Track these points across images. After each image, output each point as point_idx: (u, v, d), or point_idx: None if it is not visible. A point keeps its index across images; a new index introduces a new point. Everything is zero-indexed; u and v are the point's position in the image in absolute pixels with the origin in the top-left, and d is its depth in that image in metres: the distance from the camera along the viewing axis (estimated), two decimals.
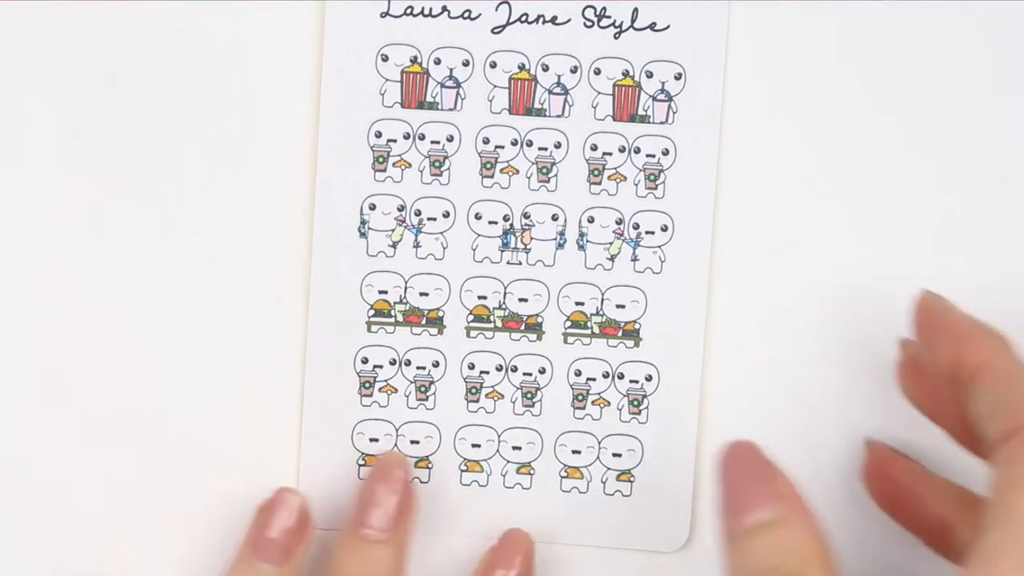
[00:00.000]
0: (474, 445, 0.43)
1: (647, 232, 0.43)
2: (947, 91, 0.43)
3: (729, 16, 0.43)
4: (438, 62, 0.43)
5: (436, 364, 0.43)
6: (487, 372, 0.43)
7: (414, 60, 0.43)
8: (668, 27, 0.43)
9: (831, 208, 0.43)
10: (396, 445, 0.43)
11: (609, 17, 0.43)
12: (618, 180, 0.43)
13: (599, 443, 0.43)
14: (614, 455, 0.43)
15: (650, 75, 0.43)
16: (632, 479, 0.44)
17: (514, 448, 0.43)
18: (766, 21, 0.43)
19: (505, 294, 0.43)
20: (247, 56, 0.43)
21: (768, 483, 0.35)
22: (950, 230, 0.43)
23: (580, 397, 0.43)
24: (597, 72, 0.43)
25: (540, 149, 0.43)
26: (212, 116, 0.43)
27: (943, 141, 0.43)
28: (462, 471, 0.44)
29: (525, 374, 0.43)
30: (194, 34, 0.43)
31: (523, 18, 0.43)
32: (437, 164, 0.43)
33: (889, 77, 0.43)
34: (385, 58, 0.43)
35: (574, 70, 0.43)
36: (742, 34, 0.43)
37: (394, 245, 0.43)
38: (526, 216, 0.43)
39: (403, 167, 0.43)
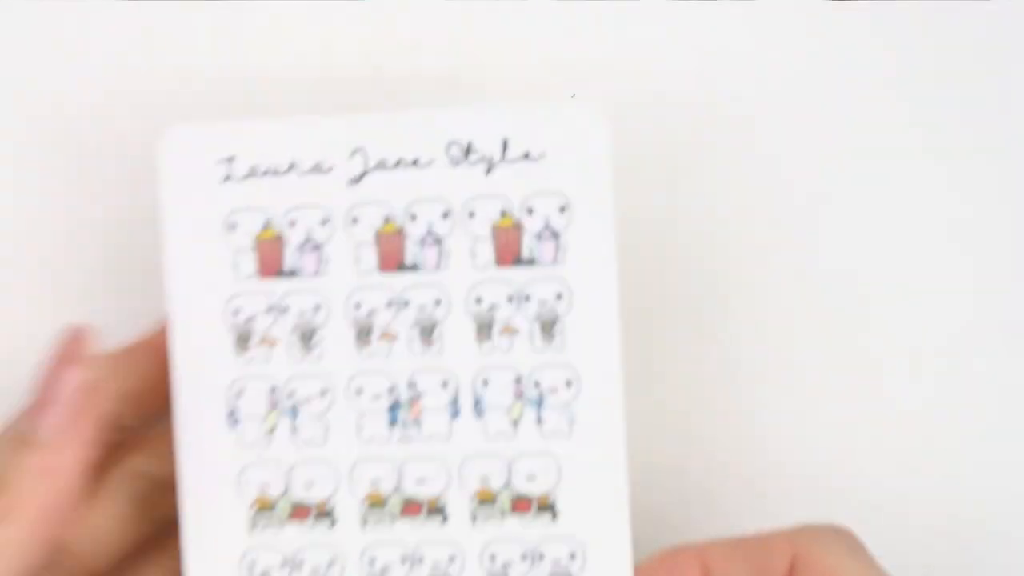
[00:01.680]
0: None
1: (550, 390, 0.38)
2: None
3: (611, 132, 0.37)
4: (293, 224, 0.38)
5: (332, 563, 0.38)
6: (390, 566, 0.38)
7: (266, 225, 0.38)
8: (543, 155, 0.37)
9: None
10: None
11: (476, 151, 0.37)
12: (510, 334, 0.38)
13: None
14: None
15: (531, 211, 0.37)
16: None
17: None
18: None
19: (400, 476, 0.38)
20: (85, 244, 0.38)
21: None
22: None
23: None
24: (472, 215, 0.38)
25: (419, 309, 0.38)
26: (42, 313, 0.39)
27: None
28: None
29: (433, 565, 0.38)
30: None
31: (381, 164, 0.38)
32: (306, 338, 0.38)
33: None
34: (233, 227, 0.38)
35: (446, 215, 0.38)
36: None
37: (270, 432, 0.38)
38: (412, 385, 0.38)
39: (269, 345, 0.38)
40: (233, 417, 0.38)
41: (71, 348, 0.36)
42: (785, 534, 0.37)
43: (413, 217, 0.38)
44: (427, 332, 0.38)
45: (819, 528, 0.37)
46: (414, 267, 0.38)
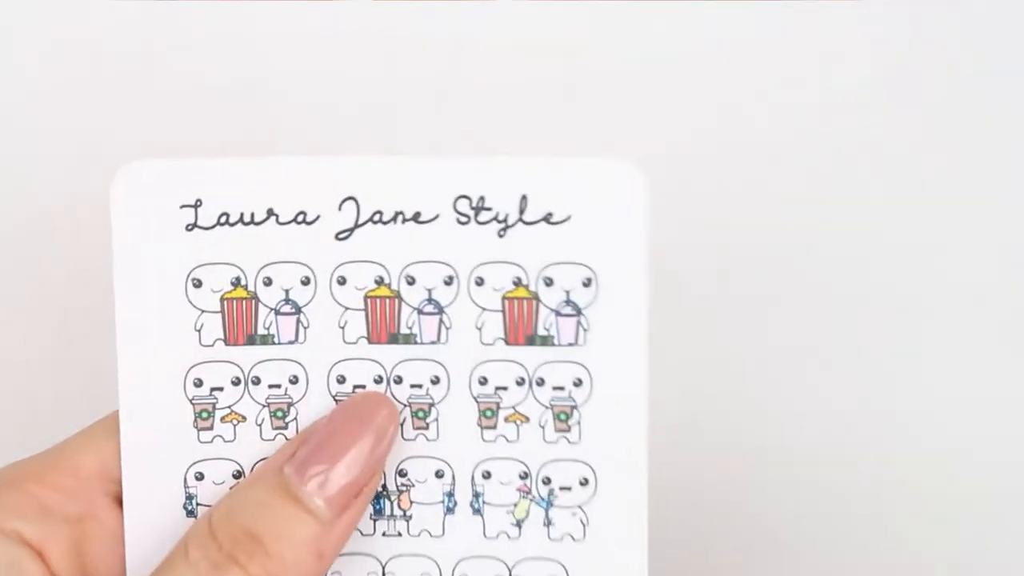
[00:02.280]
0: None
1: (562, 488, 0.32)
2: None
3: (648, 195, 0.31)
4: (269, 283, 0.32)
5: None
6: None
7: (237, 283, 0.32)
8: (568, 218, 0.32)
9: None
10: None
11: (489, 209, 0.32)
12: (518, 422, 0.32)
13: None
14: None
15: (550, 282, 0.32)
16: None
17: None
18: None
19: None
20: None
21: None
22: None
23: None
24: (480, 282, 0.32)
25: (413, 387, 0.32)
26: None
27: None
28: None
29: None
30: None
31: (376, 217, 0.32)
32: (280, 414, 0.32)
33: None
34: (198, 283, 0.32)
35: (449, 281, 0.32)
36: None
37: None
38: (402, 474, 0.33)
39: (235, 421, 0.33)
40: (191, 505, 0.33)
41: (382, 421, 0.31)
42: None
43: (411, 281, 0.32)
44: (422, 414, 0.33)
45: None
46: (409, 339, 0.32)
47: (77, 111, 0.39)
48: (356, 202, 0.32)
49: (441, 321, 0.32)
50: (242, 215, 0.32)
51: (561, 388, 0.32)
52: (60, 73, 0.40)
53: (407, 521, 0.33)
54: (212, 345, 0.32)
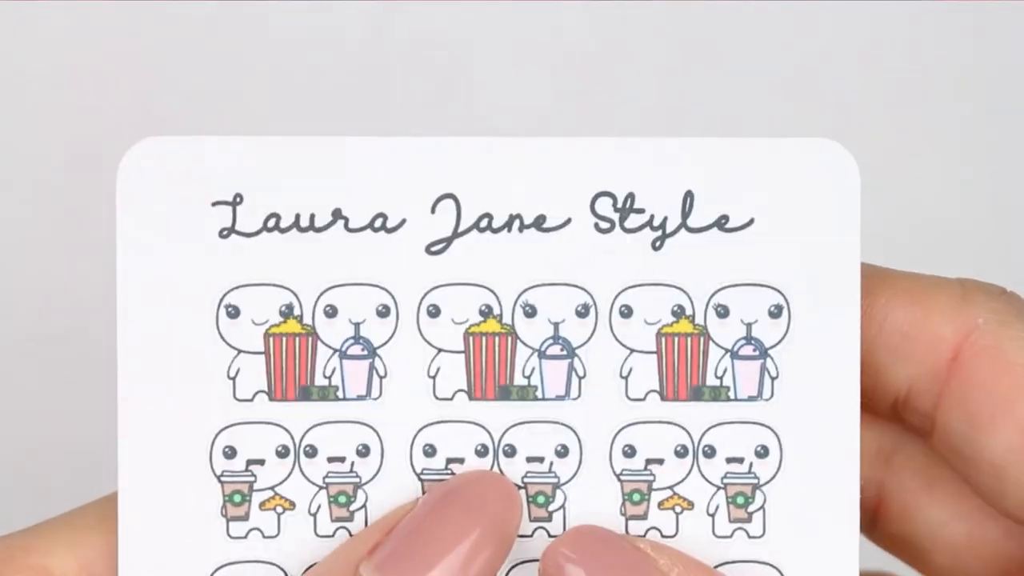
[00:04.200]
0: None
1: None
2: None
3: (858, 188, 0.23)
4: (332, 313, 0.23)
5: None
6: None
7: (288, 312, 0.23)
8: (750, 222, 0.23)
9: None
10: None
11: (641, 211, 0.23)
12: (679, 508, 0.23)
13: None
14: None
15: (724, 312, 0.23)
16: None
17: None
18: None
19: None
20: None
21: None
22: None
23: None
24: (626, 313, 0.23)
25: (531, 460, 0.23)
26: None
27: None
28: None
29: None
30: None
31: (483, 223, 0.23)
32: (343, 499, 0.23)
33: None
34: (234, 312, 0.23)
35: (584, 312, 0.23)
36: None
37: None
38: None
39: (280, 509, 0.23)
40: None
41: (499, 511, 0.23)
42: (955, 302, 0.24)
43: (530, 312, 0.23)
44: (542, 499, 0.23)
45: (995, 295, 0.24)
46: (527, 393, 0.23)
47: (77, 111, 0.37)
48: (456, 201, 0.23)
49: (572, 368, 0.23)
50: (298, 217, 0.23)
51: (739, 460, 0.23)
52: (60, 73, 0.38)
53: None
54: (251, 400, 0.23)
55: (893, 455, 0.26)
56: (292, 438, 0.23)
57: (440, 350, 0.23)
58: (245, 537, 0.23)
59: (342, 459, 0.23)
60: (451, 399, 0.23)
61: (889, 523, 0.27)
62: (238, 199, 0.23)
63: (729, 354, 0.23)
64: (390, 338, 0.23)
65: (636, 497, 0.24)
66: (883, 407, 0.25)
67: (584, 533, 0.23)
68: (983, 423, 0.23)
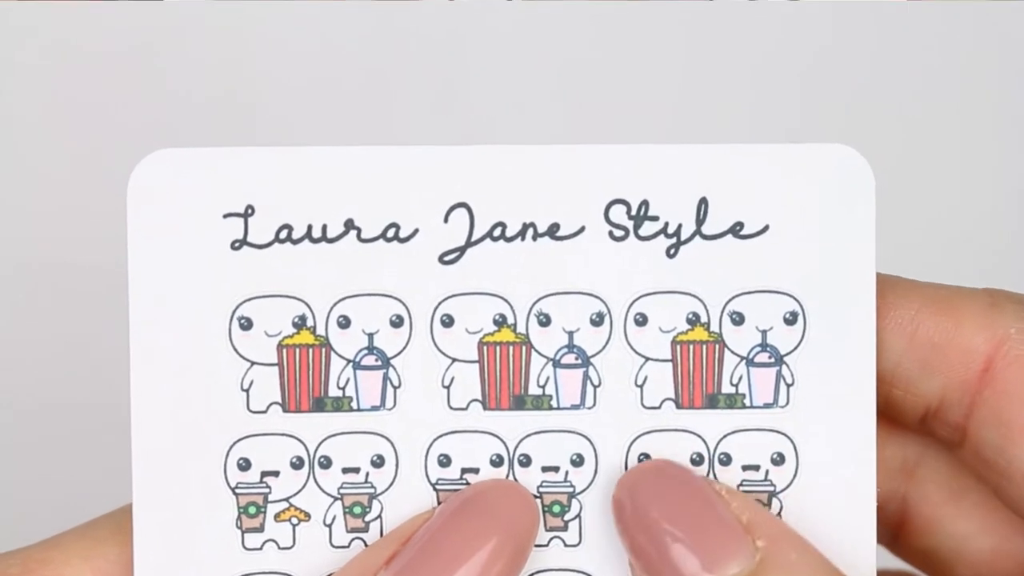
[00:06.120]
0: None
1: None
2: None
3: (873, 194, 0.23)
4: (345, 324, 0.23)
5: None
6: None
7: (301, 324, 0.23)
8: (765, 229, 0.23)
9: None
10: None
11: (655, 218, 0.23)
12: None
13: None
14: None
15: (739, 319, 0.23)
16: None
17: None
18: None
19: None
20: None
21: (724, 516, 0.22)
22: None
23: None
24: (641, 321, 0.23)
25: (546, 470, 0.23)
26: None
27: None
28: None
29: None
30: None
31: (497, 232, 0.23)
32: (358, 510, 0.23)
33: None
34: (246, 324, 0.23)
35: (598, 320, 0.23)
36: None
37: None
38: None
39: (295, 520, 0.23)
40: None
41: (516, 520, 0.22)
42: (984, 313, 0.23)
43: (544, 321, 0.23)
44: (558, 508, 0.23)
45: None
46: (541, 402, 0.23)
47: (88, 124, 0.37)
48: (469, 210, 0.23)
49: (587, 377, 0.23)
50: (310, 228, 0.23)
51: (755, 468, 0.23)
52: (70, 86, 0.38)
53: None
54: (265, 412, 0.23)
55: (917, 467, 0.26)
56: (306, 449, 0.23)
57: (454, 360, 0.23)
58: (260, 548, 0.23)
59: (357, 470, 0.23)
60: (466, 409, 0.23)
61: (913, 536, 0.26)
62: (250, 210, 0.23)
63: (744, 361, 0.23)
64: (404, 348, 0.23)
65: None
66: (913, 419, 0.24)
67: (659, 467, 0.23)
68: (1017, 434, 0.23)
